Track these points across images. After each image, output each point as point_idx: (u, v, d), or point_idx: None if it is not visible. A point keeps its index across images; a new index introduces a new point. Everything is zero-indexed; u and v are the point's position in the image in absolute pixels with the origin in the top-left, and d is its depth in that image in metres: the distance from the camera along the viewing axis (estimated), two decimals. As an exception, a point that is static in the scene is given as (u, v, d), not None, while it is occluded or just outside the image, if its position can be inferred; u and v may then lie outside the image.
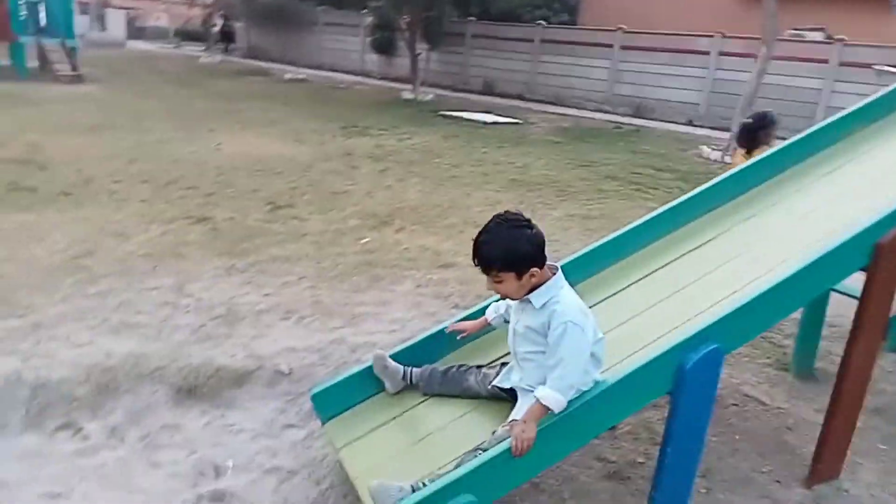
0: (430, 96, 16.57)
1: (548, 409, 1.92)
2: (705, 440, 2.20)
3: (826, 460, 2.51)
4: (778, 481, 2.61)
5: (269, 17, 25.29)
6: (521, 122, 13.80)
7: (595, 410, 1.97)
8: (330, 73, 21.75)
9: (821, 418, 2.60)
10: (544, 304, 2.02)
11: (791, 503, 2.49)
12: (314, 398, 2.40)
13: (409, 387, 2.44)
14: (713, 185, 2.96)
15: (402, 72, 18.97)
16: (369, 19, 20.24)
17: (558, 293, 2.03)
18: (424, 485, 1.91)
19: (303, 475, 2.53)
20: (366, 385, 2.43)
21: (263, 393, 3.07)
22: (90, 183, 6.31)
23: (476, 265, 2.05)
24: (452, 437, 2.20)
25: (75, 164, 6.99)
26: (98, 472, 2.49)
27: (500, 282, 2.03)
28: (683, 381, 2.00)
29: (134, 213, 5.51)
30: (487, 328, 2.46)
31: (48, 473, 2.46)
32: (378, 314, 4.00)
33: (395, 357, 2.45)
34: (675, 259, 2.74)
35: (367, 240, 5.38)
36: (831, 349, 3.69)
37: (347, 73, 21.93)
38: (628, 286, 2.66)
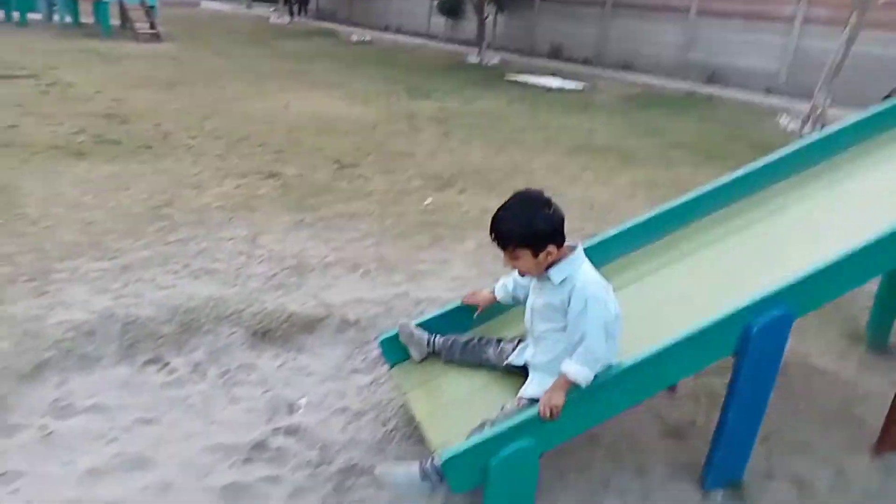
0: (495, 60, 16.36)
1: (574, 382, 1.93)
2: (767, 405, 2.20)
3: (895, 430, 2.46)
4: (843, 450, 2.58)
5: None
6: (588, 87, 13.50)
7: (657, 367, 2.00)
8: (396, 36, 21.72)
9: (893, 392, 2.54)
10: (563, 281, 2.02)
11: (857, 470, 2.46)
12: (382, 343, 2.51)
13: (431, 354, 2.47)
14: (796, 150, 2.88)
15: (469, 35, 18.76)
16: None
17: (578, 269, 2.02)
18: (434, 461, 2.00)
19: (370, 416, 2.67)
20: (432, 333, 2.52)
21: (332, 339, 3.23)
22: (168, 137, 6.61)
23: (493, 240, 2.06)
24: (511, 384, 2.28)
25: (154, 118, 7.32)
26: (184, 403, 2.70)
27: (516, 258, 2.04)
28: (749, 343, 2.00)
29: (209, 166, 5.76)
30: (499, 305, 2.46)
31: (140, 401, 2.68)
32: (439, 272, 4.10)
33: (423, 325, 2.49)
34: (755, 223, 2.69)
35: (430, 200, 5.45)
36: (909, 325, 3.56)
37: (413, 35, 21.85)
38: (699, 249, 2.64)
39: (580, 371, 1.93)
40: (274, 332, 3.20)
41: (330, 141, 7.10)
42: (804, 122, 10.47)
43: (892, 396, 2.50)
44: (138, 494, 2.20)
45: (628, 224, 2.74)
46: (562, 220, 2.03)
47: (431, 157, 6.90)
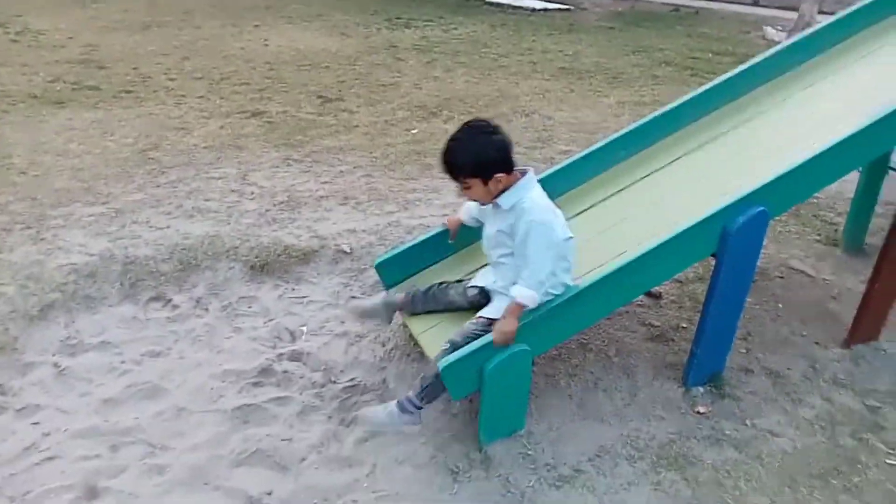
0: (476, -17, 15.84)
1: (523, 305, 2.00)
2: (745, 301, 2.32)
3: (866, 322, 2.60)
4: (817, 343, 2.73)
5: None
6: (572, 7, 13.16)
7: (642, 269, 2.09)
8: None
9: (864, 288, 2.66)
10: (512, 206, 2.05)
11: (828, 361, 2.62)
12: (378, 267, 2.60)
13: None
14: (772, 56, 2.89)
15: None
16: None
17: (526, 194, 2.05)
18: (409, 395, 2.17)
19: (370, 338, 2.79)
20: (425, 255, 2.61)
21: (328, 269, 3.32)
22: (148, 80, 6.50)
23: (444, 172, 2.10)
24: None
25: (132, 62, 7.16)
26: (189, 335, 2.81)
27: (468, 188, 2.07)
28: (728, 242, 2.09)
29: (192, 108, 5.70)
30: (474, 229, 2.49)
31: (147, 335, 2.78)
32: (430, 200, 4.15)
33: (406, 252, 2.54)
34: (727, 132, 2.75)
35: (416, 130, 5.44)
36: (884, 226, 3.66)
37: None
38: (680, 157, 2.71)
39: (526, 294, 1.99)
40: (271, 265, 3.28)
41: (312, 76, 6.99)
42: (790, 32, 10.31)
43: (862, 296, 2.62)
44: (154, 419, 2.33)
45: (607, 140, 2.79)
46: (507, 146, 2.06)
47: (416, 87, 6.82)
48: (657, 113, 2.84)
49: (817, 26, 2.98)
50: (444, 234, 2.57)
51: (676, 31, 10.88)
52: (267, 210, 3.83)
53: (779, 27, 10.66)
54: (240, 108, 5.73)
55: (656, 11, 12.90)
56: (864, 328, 2.62)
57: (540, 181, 2.52)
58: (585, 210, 2.66)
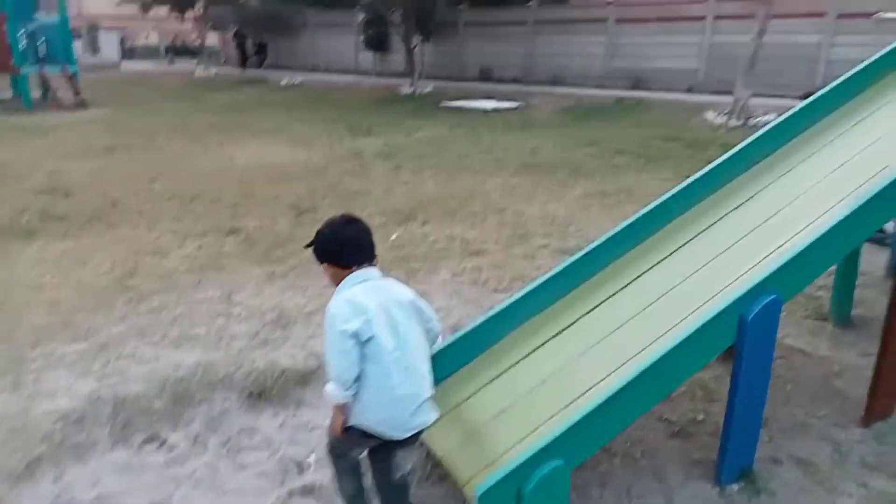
0: (428, 88, 16.65)
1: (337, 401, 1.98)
2: (767, 389, 2.32)
3: (880, 398, 2.62)
4: (836, 425, 2.72)
5: (260, 24, 25.36)
6: (523, 105, 13.87)
7: (669, 367, 2.08)
8: (325, 76, 21.82)
9: (865, 362, 2.71)
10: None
11: (852, 443, 2.60)
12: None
13: None
14: (743, 148, 3.04)
15: (398, 66, 19.04)
16: (361, 17, 20.28)
17: (343, 290, 2.01)
18: None
19: (383, 461, 2.66)
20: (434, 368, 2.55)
21: (329, 389, 3.20)
22: (118, 205, 6.45)
23: None
24: (529, 408, 2.32)
25: (98, 187, 7.13)
26: (191, 479, 2.62)
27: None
28: (746, 331, 2.11)
29: (166, 230, 5.64)
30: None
31: (145, 483, 2.59)
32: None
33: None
34: (719, 220, 2.84)
35: (396, 235, 5.49)
36: (866, 296, 3.80)
37: (343, 72, 22.02)
38: (678, 249, 2.76)
39: (326, 389, 1.99)
40: (269, 391, 3.15)
41: (283, 188, 7.06)
42: (729, 115, 11.04)
43: (867, 367, 2.66)
44: (164, 580, 2.13)
45: (612, 232, 2.84)
46: (337, 243, 2.05)
47: (387, 192, 6.96)
48: (647, 209, 2.92)
49: (775, 122, 3.16)
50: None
51: (624, 121, 11.53)
52: (258, 331, 3.73)
53: (717, 112, 11.40)
54: (215, 227, 5.70)
55: (601, 104, 13.69)
56: (879, 405, 2.63)
57: (534, 291, 2.55)
58: (589, 312, 2.66)
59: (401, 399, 1.98)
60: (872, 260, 4.32)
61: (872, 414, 2.64)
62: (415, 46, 17.32)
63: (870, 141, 2.94)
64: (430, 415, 2.05)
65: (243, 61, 26.08)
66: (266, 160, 8.60)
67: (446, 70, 19.73)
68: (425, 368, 2.08)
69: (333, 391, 1.97)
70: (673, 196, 2.95)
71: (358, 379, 1.96)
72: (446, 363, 2.55)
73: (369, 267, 2.07)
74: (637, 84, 15.88)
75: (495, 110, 13.24)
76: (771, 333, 2.20)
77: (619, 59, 16.61)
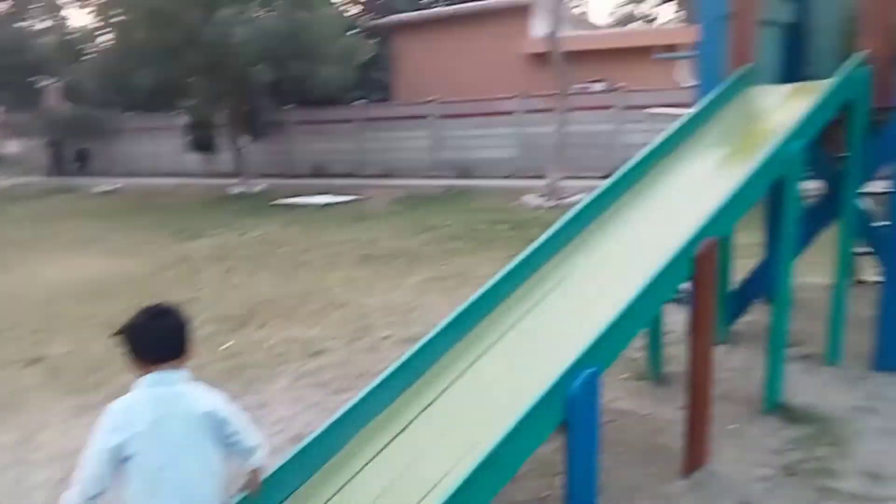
0: (260, 187, 16.44)
1: None
2: (598, 457, 2.44)
3: (694, 450, 2.87)
4: (662, 481, 2.92)
5: (69, 130, 23.70)
6: (357, 198, 14.14)
7: (506, 453, 2.12)
8: (147, 180, 20.72)
9: (681, 416, 2.97)
10: None
11: (677, 496, 2.79)
12: None
13: None
14: (556, 231, 3.31)
15: (227, 167, 18.66)
16: (183, 119, 19.77)
17: (133, 391, 1.92)
18: None
19: None
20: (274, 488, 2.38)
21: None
22: None
23: None
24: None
25: None
26: None
27: None
28: (573, 408, 2.23)
29: (-50, 368, 4.85)
30: None
31: None
32: (259, 417, 3.86)
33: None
34: (542, 298, 3.03)
35: (229, 344, 5.20)
36: (673, 353, 4.21)
37: (168, 175, 21.06)
38: (508, 331, 2.89)
39: (63, 496, 1.82)
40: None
41: (98, 306, 6.43)
42: (545, 197, 12.10)
43: (683, 422, 2.92)
44: None
45: (447, 320, 2.90)
46: (133, 335, 1.97)
47: (218, 297, 6.62)
48: (478, 293, 3.03)
49: (579, 206, 3.50)
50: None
51: (454, 208, 12.16)
52: (63, 478, 3.25)
53: (534, 195, 12.45)
54: (13, 358, 5.01)
55: (430, 194, 14.36)
56: (694, 457, 2.88)
57: (375, 389, 2.53)
58: (431, 403, 2.67)
59: None
60: (675, 319, 4.83)
61: (690, 465, 2.88)
62: (242, 147, 17.15)
63: (661, 214, 3.35)
64: None
65: (58, 169, 24.12)
66: (77, 275, 7.83)
67: (278, 168, 19.69)
68: (207, 488, 1.91)
69: (70, 500, 1.78)
70: (502, 278, 3.11)
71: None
72: (287, 480, 2.40)
73: (172, 370, 1.93)
74: (463, 173, 16.95)
75: (330, 205, 13.35)
76: (594, 405, 2.34)
77: (445, 150, 17.70)
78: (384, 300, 6.24)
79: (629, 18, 32.65)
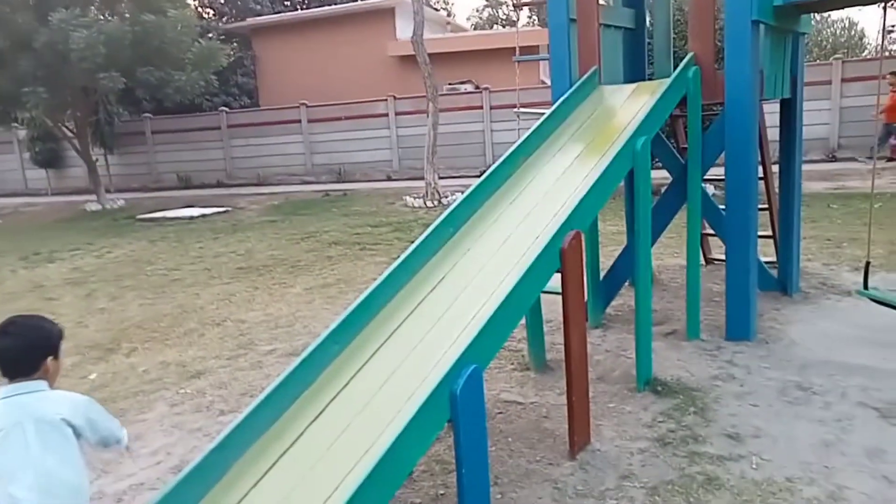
0: (120, 202, 15.30)
1: None
2: (488, 450, 2.51)
3: (577, 432, 3.03)
4: (551, 464, 3.05)
5: None
6: (230, 208, 13.55)
7: (398, 456, 2.12)
8: (-16, 200, 18.60)
9: (564, 400, 3.12)
10: None
11: (565, 477, 2.93)
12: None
13: None
14: (430, 233, 3.36)
15: (81, 182, 17.20)
16: (23, 132, 17.93)
17: None
18: None
19: None
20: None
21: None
22: None
23: None
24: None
25: None
26: None
27: None
28: (457, 404, 2.27)
29: None
30: None
31: None
32: (135, 449, 3.62)
33: None
34: (423, 299, 3.06)
35: (94, 375, 4.80)
36: (554, 341, 4.41)
37: (7, 196, 19.02)
38: (392, 334, 2.89)
39: None
40: None
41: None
42: (424, 198, 12.24)
43: (566, 406, 3.07)
44: None
45: (328, 330, 2.84)
46: None
47: (80, 324, 6.09)
48: (359, 299, 3.00)
49: (451, 206, 3.57)
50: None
51: (333, 213, 11.98)
52: None
53: (414, 195, 12.55)
54: None
55: (310, 199, 14.06)
56: (578, 438, 3.04)
57: (257, 408, 2.46)
58: (317, 418, 2.62)
59: None
60: (555, 308, 5.07)
61: (575, 446, 3.04)
62: (96, 160, 15.83)
63: (528, 210, 3.50)
64: None
65: None
66: None
67: (140, 181, 18.42)
68: (66, 489, 1.92)
69: None
70: (381, 283, 3.09)
71: None
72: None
73: (28, 381, 1.97)
74: (341, 177, 16.75)
75: (201, 217, 12.68)
76: (479, 401, 2.40)
77: (320, 155, 17.39)
78: (265, 313, 6.03)
79: (493, 20, 33.78)
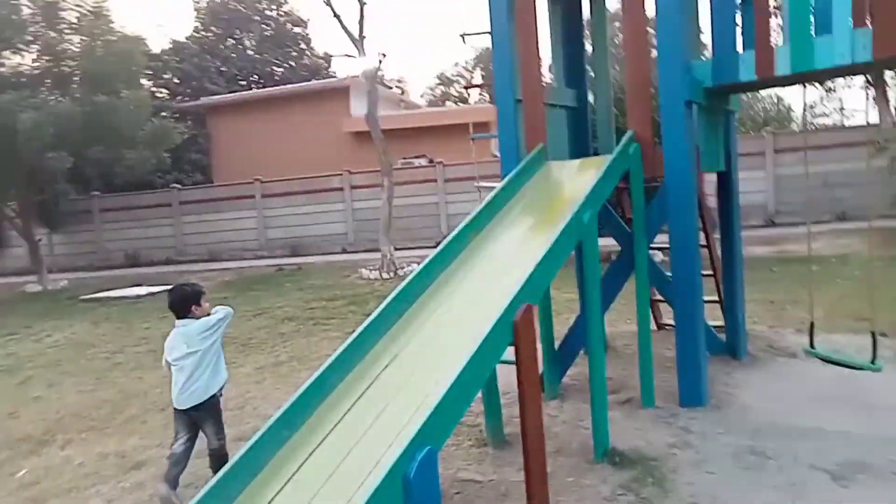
0: (63, 283, 14.76)
1: None
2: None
3: (536, 509, 2.94)
4: (511, 546, 2.94)
5: None
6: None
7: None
8: (-84, 284, 17.68)
9: (524, 477, 3.04)
10: None
11: (525, 560, 2.83)
12: None
13: None
14: (385, 308, 3.31)
15: (21, 262, 16.55)
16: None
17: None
18: None
19: None
20: None
21: None
22: None
23: None
24: None
25: None
26: None
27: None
28: (411, 489, 2.18)
29: None
30: None
31: None
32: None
33: None
34: (377, 377, 2.98)
35: (24, 472, 4.48)
36: (512, 413, 4.34)
37: (-58, 277, 18.14)
38: (343, 417, 2.79)
39: None
40: None
41: None
42: (380, 269, 12.21)
43: (524, 485, 2.99)
44: None
45: (279, 413, 2.73)
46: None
47: (11, 416, 5.73)
48: (309, 381, 2.90)
49: (422, 265, 3.56)
50: None
51: (287, 288, 11.79)
52: None
53: (369, 267, 12.51)
54: None
55: (263, 274, 13.85)
56: (537, 518, 2.94)
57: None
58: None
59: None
60: (512, 379, 5.02)
61: (535, 526, 2.94)
62: (39, 240, 15.33)
63: (481, 283, 3.51)
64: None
65: None
66: None
67: (86, 260, 17.86)
68: (195, 375, 3.86)
69: None
70: (334, 361, 3.00)
71: None
72: None
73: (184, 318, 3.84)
74: (295, 251, 16.62)
75: (148, 295, 12.29)
76: (434, 485, 2.32)
77: (274, 230, 17.29)
78: (214, 395, 5.78)
79: (446, 97, 34.93)
